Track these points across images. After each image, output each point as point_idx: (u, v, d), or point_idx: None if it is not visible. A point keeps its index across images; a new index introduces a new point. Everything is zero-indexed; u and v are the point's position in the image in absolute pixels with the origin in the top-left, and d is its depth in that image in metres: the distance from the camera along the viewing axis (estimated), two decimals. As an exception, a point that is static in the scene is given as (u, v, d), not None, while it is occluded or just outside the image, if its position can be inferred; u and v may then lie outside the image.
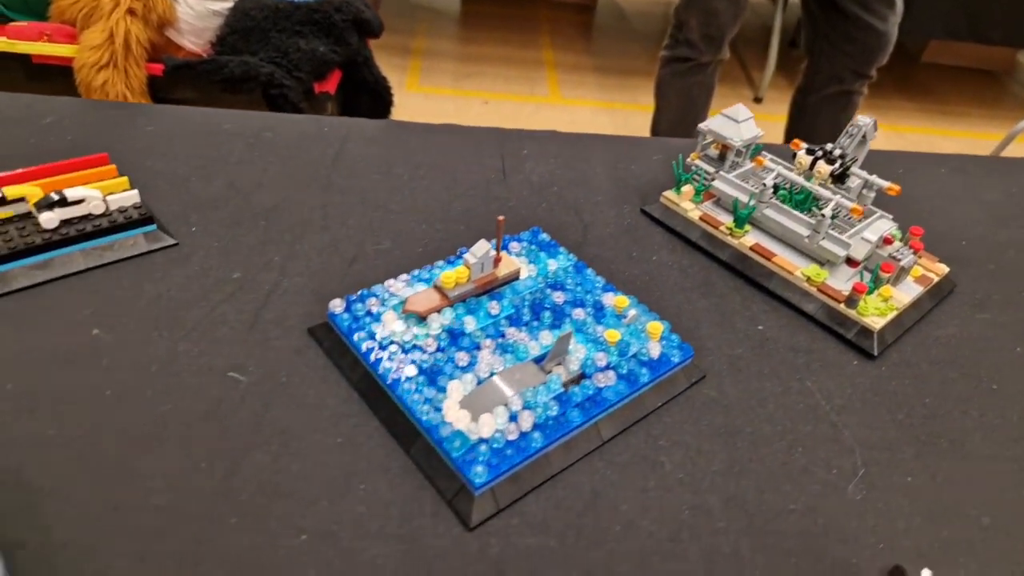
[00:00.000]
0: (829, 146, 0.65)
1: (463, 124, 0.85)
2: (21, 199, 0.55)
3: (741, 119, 0.71)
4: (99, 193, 0.57)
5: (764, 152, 0.71)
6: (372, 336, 0.51)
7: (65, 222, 0.56)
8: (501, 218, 0.52)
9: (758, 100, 2.75)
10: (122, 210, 0.59)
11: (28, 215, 0.56)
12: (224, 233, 0.63)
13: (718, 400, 0.53)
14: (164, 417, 0.47)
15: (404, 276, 0.56)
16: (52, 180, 0.58)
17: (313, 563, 0.40)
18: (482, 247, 0.53)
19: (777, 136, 1.99)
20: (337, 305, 0.53)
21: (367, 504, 0.43)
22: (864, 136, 0.66)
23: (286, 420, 0.47)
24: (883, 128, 2.33)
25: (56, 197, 0.55)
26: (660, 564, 0.42)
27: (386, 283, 0.55)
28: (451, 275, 0.53)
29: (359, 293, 0.54)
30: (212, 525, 0.41)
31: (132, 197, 0.59)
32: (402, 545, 0.41)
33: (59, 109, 0.77)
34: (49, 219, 0.55)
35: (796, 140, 0.69)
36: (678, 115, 1.84)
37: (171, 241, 0.60)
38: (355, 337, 0.51)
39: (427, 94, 2.49)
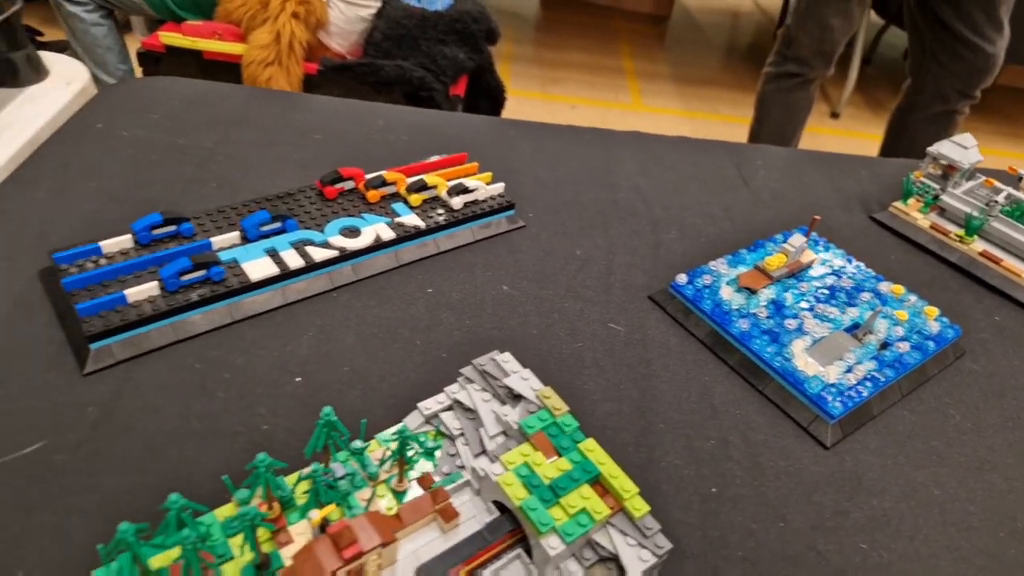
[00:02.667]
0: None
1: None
2: (433, 187, 0.72)
3: (968, 146, 0.84)
4: (483, 184, 0.74)
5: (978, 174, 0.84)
6: (717, 302, 0.66)
7: (466, 204, 0.72)
8: (817, 217, 0.67)
9: (835, 116, 2.82)
10: (493, 198, 0.75)
11: (438, 199, 0.73)
12: (552, 219, 0.79)
13: (980, 372, 0.67)
14: (580, 353, 0.63)
15: (721, 259, 0.71)
16: (446, 172, 0.75)
17: (725, 462, 0.55)
18: (798, 239, 0.68)
19: (858, 150, 2.08)
20: (682, 278, 0.68)
21: (737, 427, 0.58)
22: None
23: (657, 363, 0.63)
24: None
25: (462, 188, 0.72)
26: (970, 479, 0.56)
27: (711, 263, 0.71)
28: (774, 260, 0.68)
29: (694, 270, 0.70)
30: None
31: (499, 188, 0.76)
32: (781, 461, 0.56)
33: (386, 114, 0.94)
34: (457, 202, 0.71)
35: (1011, 167, 0.82)
36: (778, 129, 1.92)
37: (522, 223, 0.77)
38: (702, 302, 0.66)
39: (519, 98, 2.62)
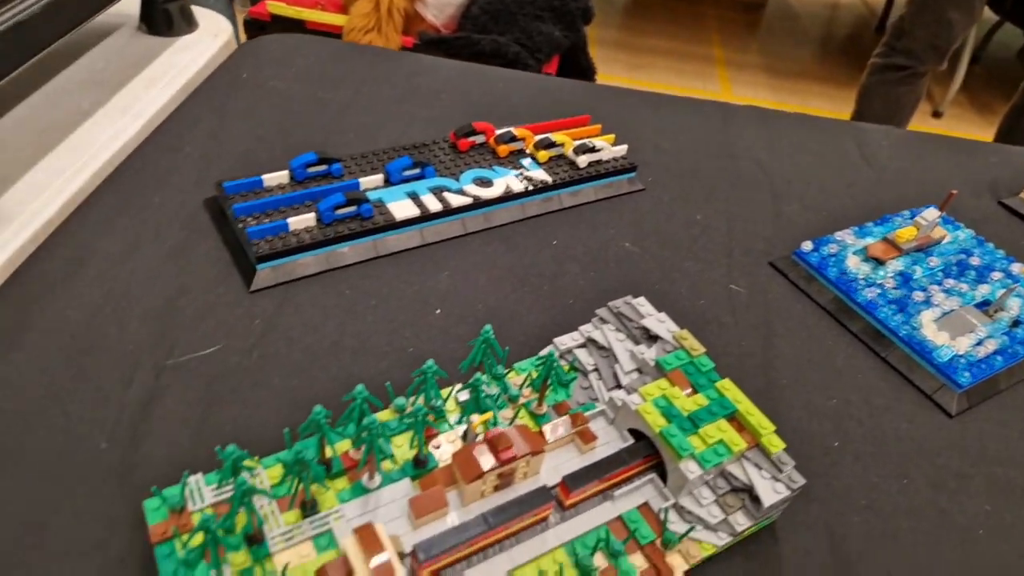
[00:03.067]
0: None
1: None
2: (560, 144, 0.74)
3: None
4: (607, 144, 0.76)
5: None
6: (843, 270, 0.66)
7: (591, 163, 0.75)
8: (954, 192, 0.67)
9: (937, 115, 2.70)
10: (616, 159, 0.77)
11: (563, 156, 0.75)
12: (672, 185, 0.80)
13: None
14: (702, 310, 0.64)
15: (847, 231, 0.72)
16: (571, 132, 0.77)
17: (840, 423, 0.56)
18: (932, 213, 0.67)
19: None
20: (807, 245, 0.69)
21: (859, 390, 0.59)
22: None
23: (779, 325, 0.64)
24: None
25: (588, 147, 0.74)
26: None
27: (837, 234, 0.71)
28: (904, 232, 0.68)
29: (820, 239, 0.70)
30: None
31: (621, 150, 0.77)
32: (903, 424, 0.57)
33: (506, 78, 0.97)
34: (583, 160, 0.74)
35: None
36: (880, 123, 1.86)
37: (642, 187, 0.78)
38: (827, 270, 0.67)
39: (603, 83, 2.61)
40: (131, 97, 0.79)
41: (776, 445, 0.46)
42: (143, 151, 0.73)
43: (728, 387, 0.48)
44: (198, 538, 0.38)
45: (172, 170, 0.70)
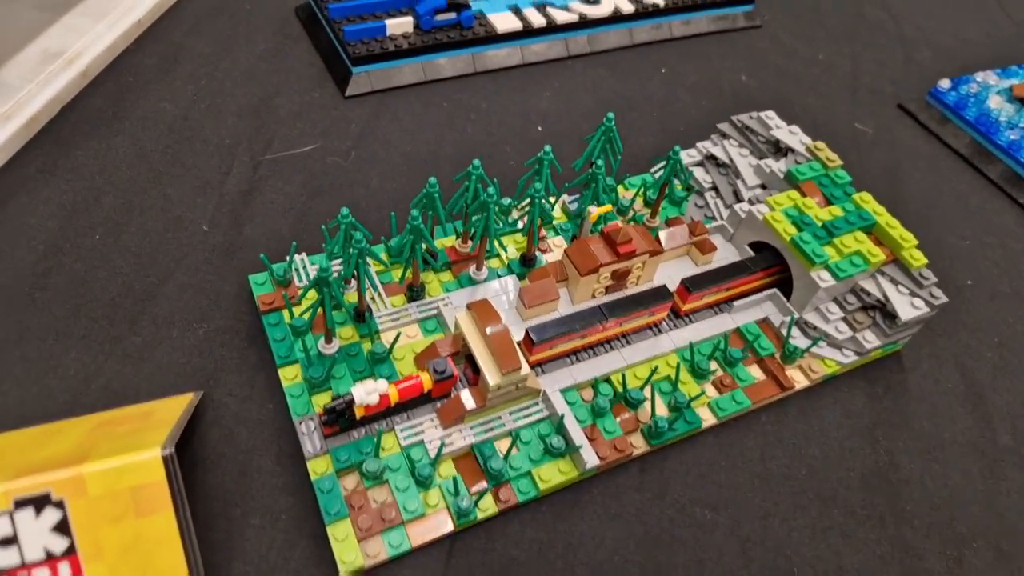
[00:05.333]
0: None
1: None
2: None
3: None
4: (725, -31, 0.69)
5: None
6: (984, 111, 0.60)
7: (705, -12, 0.68)
8: None
9: None
10: (732, -12, 0.70)
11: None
12: (792, 24, 0.73)
13: None
14: (824, 143, 0.59)
15: (990, 71, 0.64)
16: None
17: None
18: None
19: None
20: (945, 83, 0.62)
21: (993, 232, 0.54)
22: None
23: (907, 166, 0.58)
24: None
25: (705, -34, 0.67)
26: None
27: (977, 74, 0.64)
28: (1060, 70, 0.60)
29: (959, 77, 0.63)
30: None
31: (740, -22, 0.70)
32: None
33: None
34: (697, -16, 0.67)
35: None
36: None
37: (758, 23, 0.72)
38: (966, 110, 0.60)
39: None
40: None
41: (918, 259, 0.42)
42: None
43: (866, 199, 0.44)
44: (310, 296, 0.37)
45: (262, -21, 0.67)
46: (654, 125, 0.59)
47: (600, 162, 0.41)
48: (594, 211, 0.41)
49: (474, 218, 0.39)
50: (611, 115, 0.42)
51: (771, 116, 0.50)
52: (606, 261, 0.39)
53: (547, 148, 0.40)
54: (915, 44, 0.74)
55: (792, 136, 0.48)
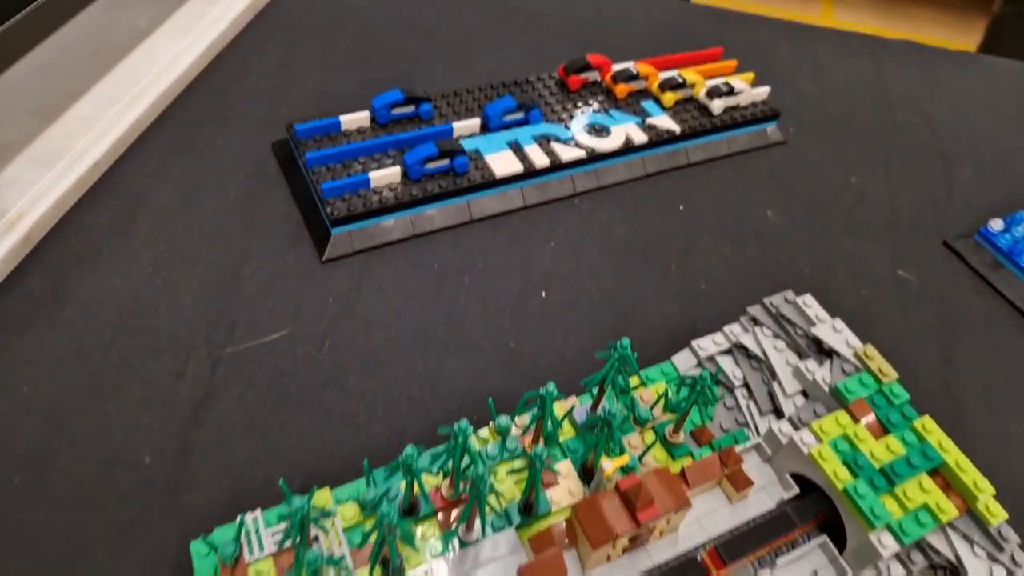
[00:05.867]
0: None
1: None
2: (691, 85, 0.61)
3: None
4: (747, 86, 0.62)
5: None
6: (1044, 260, 0.53)
7: (727, 109, 0.61)
8: None
9: None
10: (755, 104, 0.64)
11: (692, 100, 0.62)
12: (819, 137, 0.67)
13: None
14: (866, 302, 0.52)
15: (1045, 206, 0.57)
16: (701, 68, 0.64)
17: None
18: None
19: None
20: (997, 224, 0.55)
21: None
22: None
23: (961, 324, 0.51)
24: None
25: (725, 88, 0.60)
26: None
27: (1033, 211, 0.57)
28: None
29: (1013, 215, 0.56)
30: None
31: (763, 92, 0.64)
32: None
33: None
34: (718, 105, 0.61)
35: None
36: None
37: (782, 139, 0.65)
38: (1022, 256, 0.53)
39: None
40: (193, 15, 0.69)
41: (996, 514, 0.35)
42: (205, 80, 0.63)
43: (930, 428, 0.37)
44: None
45: (236, 105, 0.61)
46: (672, 283, 0.52)
47: (614, 409, 0.34)
48: (608, 467, 0.34)
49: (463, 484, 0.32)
50: (626, 342, 0.35)
51: (809, 303, 0.43)
52: (623, 531, 0.33)
53: (550, 386, 0.34)
54: (956, 158, 0.67)
55: (836, 335, 0.41)
